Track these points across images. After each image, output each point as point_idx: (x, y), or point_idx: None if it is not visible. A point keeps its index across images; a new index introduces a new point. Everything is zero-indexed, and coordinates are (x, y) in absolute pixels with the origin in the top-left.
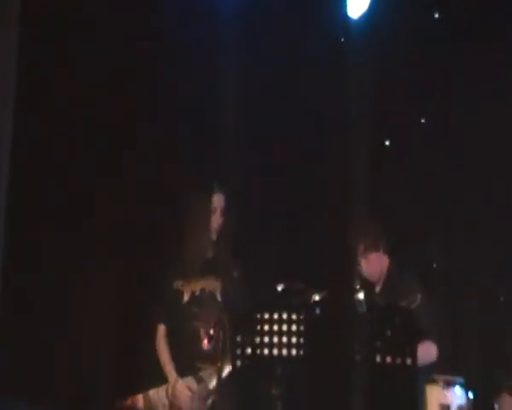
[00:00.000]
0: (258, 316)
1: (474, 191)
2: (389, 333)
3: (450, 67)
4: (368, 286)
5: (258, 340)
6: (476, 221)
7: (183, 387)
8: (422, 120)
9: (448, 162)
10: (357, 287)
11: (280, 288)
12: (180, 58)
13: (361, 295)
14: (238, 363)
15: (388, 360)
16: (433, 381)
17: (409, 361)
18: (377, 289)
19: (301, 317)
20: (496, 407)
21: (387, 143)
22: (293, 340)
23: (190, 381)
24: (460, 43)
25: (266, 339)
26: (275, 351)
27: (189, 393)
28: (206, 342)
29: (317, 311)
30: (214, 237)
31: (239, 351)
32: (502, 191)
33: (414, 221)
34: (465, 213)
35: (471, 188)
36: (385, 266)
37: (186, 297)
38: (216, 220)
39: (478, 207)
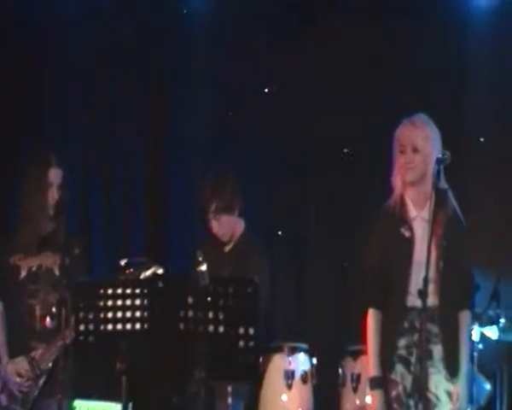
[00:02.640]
0: (101, 291)
1: (327, 162)
2: (231, 304)
3: None
4: (217, 245)
5: (101, 315)
6: (327, 192)
7: (13, 370)
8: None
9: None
10: (200, 259)
11: (123, 262)
12: None
13: (204, 267)
14: (81, 339)
15: (230, 330)
16: (277, 348)
17: (251, 331)
18: (226, 248)
19: (144, 291)
20: (340, 371)
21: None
22: (137, 314)
23: (21, 362)
24: None
25: (110, 314)
26: (119, 326)
27: (17, 377)
28: (48, 320)
29: (160, 284)
30: (51, 212)
31: (82, 327)
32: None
33: (268, 187)
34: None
35: (323, 157)
36: (238, 230)
37: (23, 273)
38: (52, 196)
39: (329, 177)
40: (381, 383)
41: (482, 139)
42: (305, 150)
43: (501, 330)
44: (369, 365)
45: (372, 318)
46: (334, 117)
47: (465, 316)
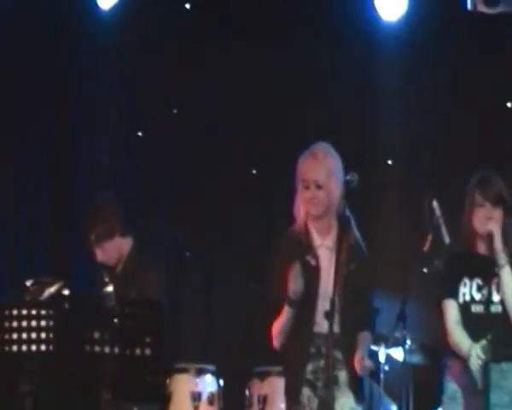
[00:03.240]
0: (7, 313)
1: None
2: (136, 325)
3: None
4: (108, 269)
5: (6, 337)
6: (234, 214)
7: None
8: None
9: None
10: (107, 280)
11: (29, 283)
12: None
13: (110, 288)
14: None
15: (133, 351)
16: (184, 369)
17: (148, 352)
18: (117, 270)
19: (50, 312)
20: (246, 392)
21: (140, 133)
22: (43, 335)
23: None
24: None
25: (15, 336)
26: (24, 347)
27: None
28: None
29: (66, 305)
30: None
31: None
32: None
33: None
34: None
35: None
36: (125, 249)
37: None
38: None
39: (235, 198)
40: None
41: (390, 162)
42: (213, 171)
43: (407, 352)
44: None
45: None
46: (240, 138)
47: (363, 335)
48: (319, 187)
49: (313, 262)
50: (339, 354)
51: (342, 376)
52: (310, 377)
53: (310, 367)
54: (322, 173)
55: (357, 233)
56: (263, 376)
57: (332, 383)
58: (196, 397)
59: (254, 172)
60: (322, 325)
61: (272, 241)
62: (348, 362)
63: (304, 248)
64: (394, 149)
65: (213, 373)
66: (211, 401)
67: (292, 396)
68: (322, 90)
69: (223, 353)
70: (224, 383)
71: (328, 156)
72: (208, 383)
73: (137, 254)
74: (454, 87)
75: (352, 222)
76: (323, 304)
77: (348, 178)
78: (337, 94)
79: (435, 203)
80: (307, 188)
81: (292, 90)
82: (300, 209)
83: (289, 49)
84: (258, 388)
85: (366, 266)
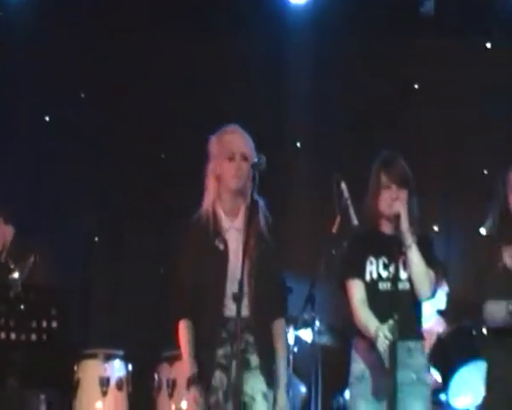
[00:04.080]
0: None
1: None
2: (38, 310)
3: None
4: None
5: None
6: (144, 197)
7: None
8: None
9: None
10: (12, 267)
11: None
12: None
13: (16, 275)
14: None
15: (39, 337)
16: (92, 355)
17: (54, 337)
18: (1, 258)
19: None
20: (155, 376)
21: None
22: None
23: None
24: None
25: None
26: None
27: None
28: None
29: None
30: None
31: None
32: None
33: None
34: None
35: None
36: (8, 237)
37: None
38: None
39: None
40: (198, 379)
41: (298, 144)
42: (121, 156)
43: (315, 333)
44: (184, 368)
45: (184, 328)
46: (148, 123)
47: (280, 324)
48: (245, 159)
49: (221, 247)
50: (250, 338)
51: (253, 359)
52: (222, 361)
53: (221, 352)
54: (249, 146)
55: (266, 215)
56: (172, 360)
57: (243, 366)
58: (105, 382)
59: (163, 156)
60: (232, 309)
61: (181, 226)
62: (260, 347)
63: (211, 232)
64: (302, 131)
65: (122, 358)
66: (119, 386)
67: (203, 382)
68: (229, 74)
69: (131, 338)
70: (133, 367)
71: (246, 133)
72: (117, 369)
73: (19, 241)
74: (361, 70)
75: (261, 204)
76: (232, 287)
77: (256, 160)
78: (245, 77)
79: (343, 185)
80: (231, 159)
81: (199, 75)
82: (210, 191)
83: (196, 35)
84: (167, 372)
85: (275, 248)
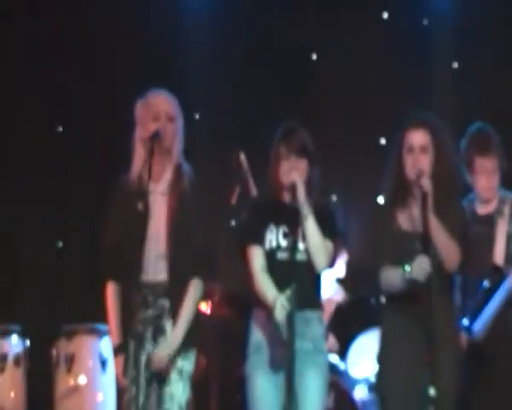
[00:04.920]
0: None
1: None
2: None
3: None
4: None
5: None
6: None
7: None
8: None
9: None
10: None
11: None
12: None
13: None
14: None
15: None
16: None
17: None
18: None
19: None
20: (53, 351)
21: None
22: None
23: None
24: None
25: None
26: None
27: None
28: None
29: None
30: None
31: None
32: None
33: None
34: None
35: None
36: None
37: None
38: None
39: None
40: (123, 348)
41: (197, 116)
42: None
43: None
44: (111, 334)
45: (109, 292)
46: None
47: (193, 284)
48: (170, 119)
49: (143, 209)
50: (166, 303)
51: (169, 326)
52: (139, 327)
53: (138, 317)
54: (174, 105)
55: (190, 179)
56: (70, 335)
57: (158, 333)
58: (2, 358)
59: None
60: (150, 273)
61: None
62: (176, 311)
63: (134, 194)
64: (201, 102)
65: (19, 333)
66: (17, 362)
67: (119, 349)
68: (127, 45)
69: (29, 313)
70: (31, 343)
71: (172, 96)
72: (14, 344)
73: None
74: (261, 45)
75: (186, 167)
76: (153, 250)
77: (155, 131)
78: (144, 49)
79: (242, 156)
80: (156, 120)
81: (97, 47)
82: (137, 155)
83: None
84: (65, 347)
85: (199, 211)
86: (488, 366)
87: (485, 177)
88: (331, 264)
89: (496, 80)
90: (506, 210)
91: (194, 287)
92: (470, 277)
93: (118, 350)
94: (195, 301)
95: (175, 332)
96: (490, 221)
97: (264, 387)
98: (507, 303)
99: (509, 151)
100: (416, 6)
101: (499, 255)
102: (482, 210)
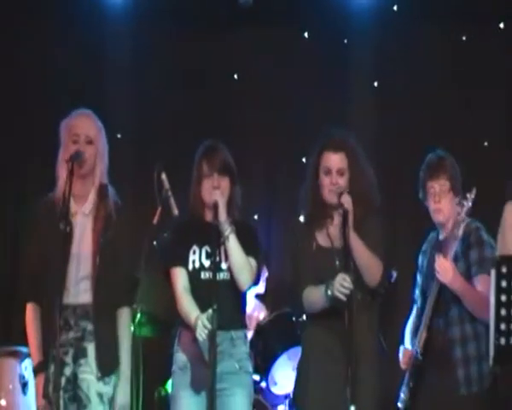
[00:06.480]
0: None
1: None
2: None
3: None
4: None
5: None
6: None
7: None
8: None
9: None
10: None
11: None
12: None
13: None
14: None
15: None
16: None
17: None
18: None
19: None
20: None
21: None
22: None
23: None
24: None
25: None
26: None
27: None
28: None
29: None
30: None
31: None
32: None
33: None
34: None
35: None
36: None
37: None
38: None
39: None
40: (44, 366)
41: (119, 136)
42: None
43: (136, 326)
44: (32, 353)
45: (30, 313)
46: None
47: (125, 313)
48: (89, 142)
49: (66, 230)
50: (89, 326)
51: (91, 349)
52: (59, 350)
53: (60, 340)
54: (94, 128)
55: (115, 200)
56: None
57: (80, 356)
58: None
59: None
60: (73, 295)
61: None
62: (99, 336)
63: (59, 215)
64: (123, 122)
65: None
66: None
67: (40, 368)
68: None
69: None
70: None
71: (94, 116)
72: None
73: None
74: (182, 64)
75: (110, 189)
76: (74, 275)
77: (74, 153)
78: (65, 70)
79: (164, 176)
80: (75, 142)
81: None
82: (62, 171)
83: None
84: None
85: (124, 233)
86: (424, 381)
87: (432, 198)
88: (256, 282)
89: (414, 99)
90: (459, 232)
91: (125, 316)
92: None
93: (39, 369)
94: (129, 332)
95: (123, 370)
96: (445, 245)
97: (187, 407)
98: (435, 314)
99: None
100: (337, 25)
101: None
102: (441, 237)
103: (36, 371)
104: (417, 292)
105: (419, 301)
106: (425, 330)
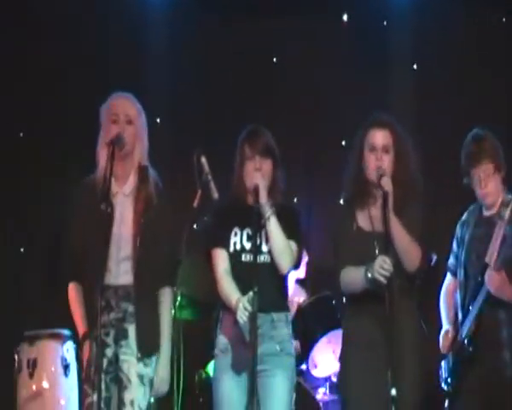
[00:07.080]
0: None
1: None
2: None
3: None
4: None
5: None
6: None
7: None
8: None
9: None
10: None
11: None
12: None
13: None
14: None
15: None
16: None
17: None
18: None
19: None
20: (16, 357)
21: None
22: None
23: None
24: None
25: None
26: None
27: None
28: None
29: None
30: None
31: None
32: None
33: None
34: None
35: None
36: None
37: None
38: None
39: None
40: (89, 336)
41: (158, 120)
42: None
43: (177, 309)
44: (77, 324)
45: (72, 292)
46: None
47: (166, 294)
48: (129, 122)
49: (107, 210)
50: (130, 307)
51: (132, 330)
52: (101, 331)
53: (99, 321)
54: (133, 108)
55: (155, 181)
56: (32, 340)
57: (121, 337)
58: None
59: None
60: (115, 276)
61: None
62: (140, 317)
63: (99, 195)
64: (162, 107)
65: None
66: None
67: (86, 337)
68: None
69: None
70: None
71: (134, 99)
72: None
73: None
74: (221, 48)
75: (151, 172)
76: (117, 252)
77: (116, 135)
78: (104, 54)
79: (203, 159)
80: (115, 122)
81: (61, 54)
82: (101, 158)
83: None
84: (27, 352)
85: (164, 214)
86: (471, 365)
87: (479, 185)
88: (296, 265)
89: (453, 82)
90: (506, 213)
91: (167, 297)
92: (470, 275)
93: (85, 338)
94: (170, 311)
95: (164, 349)
96: (490, 223)
97: (229, 389)
98: (491, 304)
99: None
100: (376, 8)
101: (490, 255)
102: (485, 213)
103: (83, 338)
104: (453, 261)
105: (461, 274)
106: (474, 323)
